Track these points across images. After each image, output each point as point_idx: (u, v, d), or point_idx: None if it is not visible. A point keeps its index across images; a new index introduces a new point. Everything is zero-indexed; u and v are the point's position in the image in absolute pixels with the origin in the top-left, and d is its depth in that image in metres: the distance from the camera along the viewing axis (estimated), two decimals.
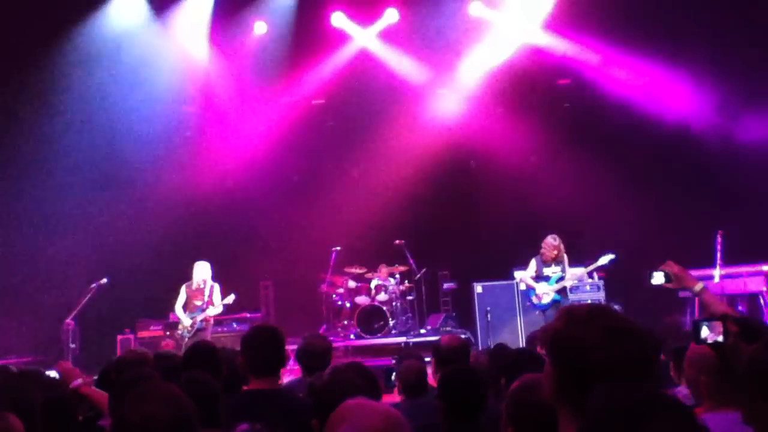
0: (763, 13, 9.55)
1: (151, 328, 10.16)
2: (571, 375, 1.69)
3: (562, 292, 8.38)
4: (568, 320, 1.75)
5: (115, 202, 10.72)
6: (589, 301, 8.99)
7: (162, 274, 10.52)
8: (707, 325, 2.33)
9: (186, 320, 8.72)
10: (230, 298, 8.86)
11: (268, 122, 11.60)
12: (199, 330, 8.61)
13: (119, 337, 9.95)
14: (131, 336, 10.01)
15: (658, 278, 3.09)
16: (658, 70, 10.42)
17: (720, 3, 9.60)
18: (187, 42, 10.90)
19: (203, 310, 8.69)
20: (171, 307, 10.24)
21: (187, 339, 8.54)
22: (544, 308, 8.45)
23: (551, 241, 8.40)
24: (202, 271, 8.78)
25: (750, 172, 9.89)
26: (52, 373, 3.75)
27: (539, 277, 8.45)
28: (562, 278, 8.35)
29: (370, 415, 1.85)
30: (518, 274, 9.64)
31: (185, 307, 8.79)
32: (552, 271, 8.41)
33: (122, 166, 10.73)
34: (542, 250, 8.47)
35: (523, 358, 3.43)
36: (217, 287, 8.83)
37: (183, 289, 8.85)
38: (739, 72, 9.89)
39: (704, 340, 2.33)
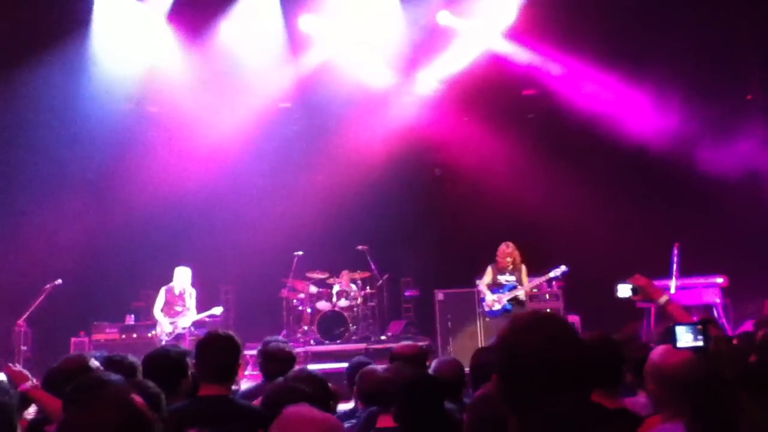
0: (722, 41, 9.86)
1: (107, 330, 9.92)
2: (514, 382, 1.69)
3: (514, 300, 8.41)
4: (512, 328, 1.76)
5: (71, 202, 10.45)
6: (548, 310, 9.10)
7: (119, 275, 10.35)
8: (688, 329, 2.35)
9: (167, 325, 8.74)
10: (217, 310, 9.12)
11: (233, 124, 11.48)
12: (179, 335, 8.68)
13: (73, 339, 9.70)
14: (86, 339, 9.76)
15: (624, 291, 3.11)
16: (621, 86, 10.62)
17: (683, 30, 9.84)
18: (150, 39, 10.74)
19: (184, 317, 8.78)
20: (128, 309, 10.12)
21: (164, 343, 8.54)
22: (493, 315, 8.51)
23: (504, 249, 8.49)
24: (183, 276, 8.91)
25: (706, 187, 10.13)
26: (0, 376, 3.64)
27: (495, 285, 8.50)
28: (515, 287, 8.41)
29: (307, 425, 1.86)
30: (480, 282, 9.69)
31: (163, 312, 8.81)
32: (506, 279, 8.46)
33: (79, 166, 10.49)
34: (496, 258, 8.54)
35: None
36: (194, 293, 8.95)
37: (163, 292, 8.89)
38: (700, 93, 10.15)
39: (681, 346, 2.35)
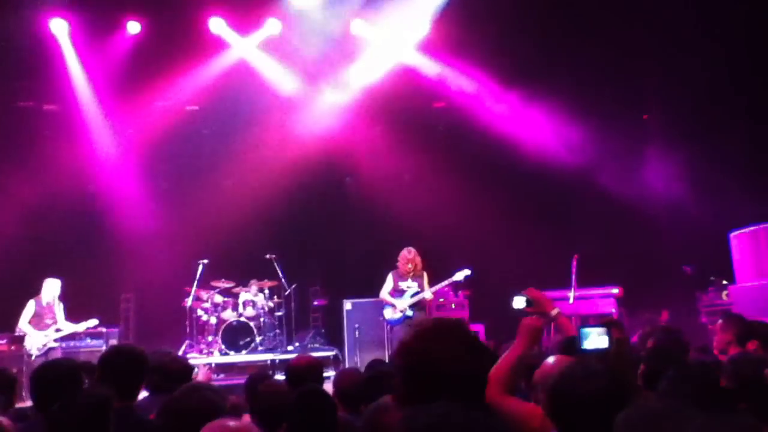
0: (620, 62, 10.36)
1: None
2: (417, 386, 1.72)
3: (416, 307, 8.40)
4: (416, 334, 1.79)
5: None
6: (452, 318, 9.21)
7: (8, 284, 9.74)
8: (594, 332, 2.43)
9: (40, 337, 8.47)
10: (92, 323, 8.83)
11: (137, 125, 11.10)
12: (51, 349, 8.46)
13: None
14: None
15: (519, 302, 3.19)
16: (525, 103, 10.96)
17: (583, 52, 10.27)
18: (44, 34, 10.22)
19: (57, 330, 8.57)
20: (16, 320, 9.50)
21: (35, 357, 8.34)
22: (395, 324, 8.48)
23: (405, 254, 8.45)
24: (53, 288, 8.70)
25: (604, 203, 10.58)
26: None
27: (396, 291, 8.47)
28: (417, 293, 8.40)
29: None
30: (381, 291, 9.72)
31: (32, 324, 8.54)
32: (407, 285, 8.42)
33: None
34: (397, 263, 8.52)
35: None
36: (62, 306, 8.76)
37: (32, 305, 8.63)
38: (599, 113, 10.62)
39: (586, 348, 2.44)
